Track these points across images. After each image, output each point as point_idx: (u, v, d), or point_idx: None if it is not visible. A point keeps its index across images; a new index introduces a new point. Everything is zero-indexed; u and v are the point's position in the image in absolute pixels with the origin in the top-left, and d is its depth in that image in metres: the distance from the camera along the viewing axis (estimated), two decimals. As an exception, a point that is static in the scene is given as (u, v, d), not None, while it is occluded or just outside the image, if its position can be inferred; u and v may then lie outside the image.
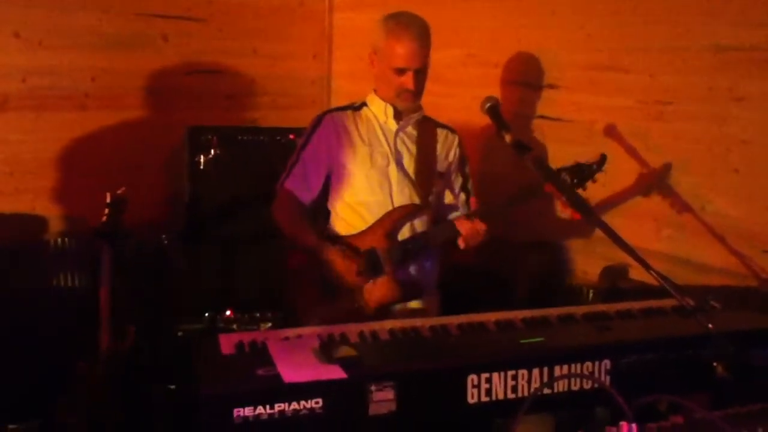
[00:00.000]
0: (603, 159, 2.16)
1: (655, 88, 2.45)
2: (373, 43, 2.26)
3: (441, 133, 2.39)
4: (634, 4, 2.49)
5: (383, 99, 2.31)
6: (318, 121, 2.33)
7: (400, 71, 2.20)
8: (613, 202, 2.53)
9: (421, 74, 2.23)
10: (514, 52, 2.88)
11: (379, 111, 2.32)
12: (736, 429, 1.07)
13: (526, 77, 2.86)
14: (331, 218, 2.38)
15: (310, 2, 3.71)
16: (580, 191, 2.11)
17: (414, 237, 2.26)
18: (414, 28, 2.20)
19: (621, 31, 2.53)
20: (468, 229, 2.20)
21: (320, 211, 2.39)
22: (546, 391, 1.49)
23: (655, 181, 2.45)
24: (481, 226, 2.19)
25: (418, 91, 2.25)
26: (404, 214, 2.28)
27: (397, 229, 2.26)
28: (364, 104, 2.36)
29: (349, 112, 2.35)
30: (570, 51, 2.70)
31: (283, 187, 2.32)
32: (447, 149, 2.40)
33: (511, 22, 2.92)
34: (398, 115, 2.32)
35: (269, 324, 2.76)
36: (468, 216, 2.23)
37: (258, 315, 2.88)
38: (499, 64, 2.94)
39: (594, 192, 2.27)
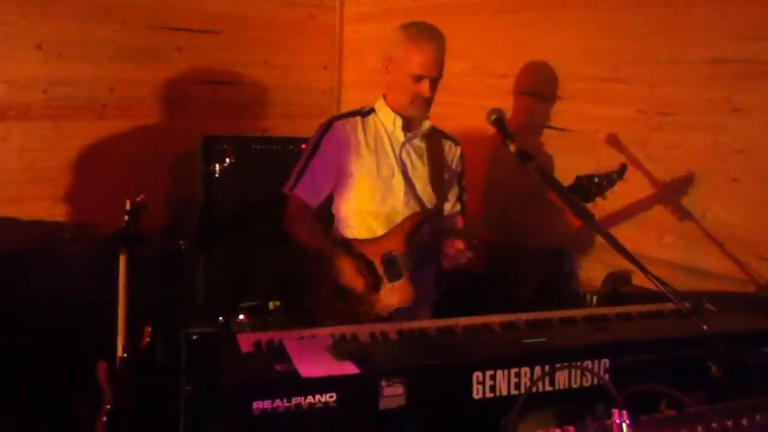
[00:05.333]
0: (623, 168, 2.08)
1: (655, 98, 2.51)
2: (388, 51, 2.27)
3: (446, 144, 2.42)
4: (634, 18, 2.55)
5: (393, 107, 2.32)
6: (326, 128, 2.33)
7: (418, 78, 2.21)
8: (625, 211, 2.56)
9: (436, 83, 2.24)
10: (519, 63, 2.95)
11: (387, 120, 2.33)
12: (723, 420, 1.14)
13: (530, 88, 2.93)
14: (336, 222, 2.41)
15: (321, 15, 3.80)
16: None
17: (425, 244, 2.29)
18: (434, 38, 2.22)
19: (622, 44, 2.60)
20: (451, 249, 2.21)
21: (325, 214, 2.43)
22: (548, 388, 1.57)
23: (672, 195, 2.48)
24: (462, 246, 2.19)
25: (431, 100, 2.26)
26: (422, 219, 2.30)
27: (413, 233, 2.28)
28: (372, 110, 2.37)
29: (357, 118, 2.35)
30: (573, 62, 2.76)
31: (292, 195, 2.34)
32: (450, 161, 2.44)
33: (516, 34, 2.99)
34: (406, 126, 2.33)
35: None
36: (453, 237, 2.23)
37: (270, 319, 2.96)
38: (505, 76, 3.01)
39: (597, 203, 2.31)
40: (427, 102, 2.27)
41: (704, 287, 2.38)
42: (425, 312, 2.39)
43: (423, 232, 2.33)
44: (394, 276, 2.24)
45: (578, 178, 2.05)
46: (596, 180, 2.03)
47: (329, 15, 3.83)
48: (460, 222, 2.31)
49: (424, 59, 2.20)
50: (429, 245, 2.29)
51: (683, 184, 2.45)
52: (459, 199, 2.48)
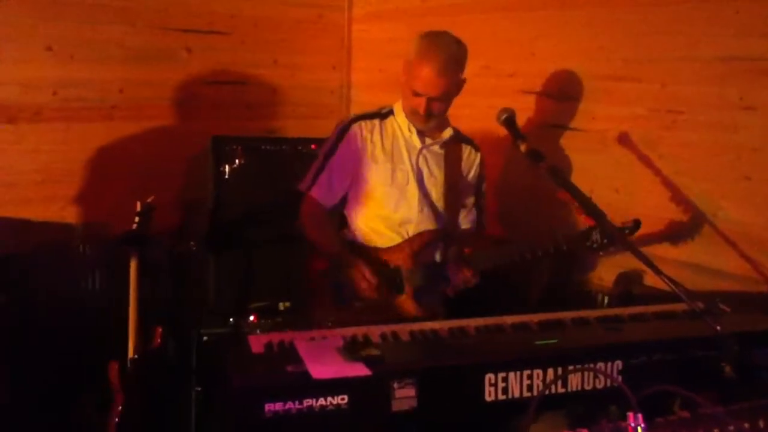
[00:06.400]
0: (636, 225, 2.15)
1: (667, 97, 2.49)
2: (407, 55, 2.24)
3: (465, 150, 2.40)
4: (645, 16, 2.54)
5: (406, 113, 2.32)
6: (345, 129, 2.32)
7: (416, 94, 2.19)
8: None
9: (436, 102, 2.20)
10: (528, 63, 2.95)
11: (403, 125, 2.32)
12: (739, 422, 1.13)
13: (540, 87, 2.92)
14: (348, 225, 2.41)
15: (330, 15, 3.80)
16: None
17: (434, 264, 2.29)
18: (440, 57, 2.14)
19: (633, 42, 2.58)
20: (458, 278, 2.21)
21: (337, 215, 2.43)
22: (560, 390, 1.56)
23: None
24: (469, 274, 2.20)
25: (429, 116, 2.23)
26: (433, 238, 2.30)
27: (423, 251, 2.28)
28: (391, 112, 2.35)
29: (376, 121, 2.34)
30: (583, 61, 2.75)
31: (309, 195, 2.34)
32: (468, 167, 2.42)
33: (525, 33, 2.98)
34: (422, 133, 2.32)
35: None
36: (459, 263, 2.21)
37: (280, 320, 2.96)
38: (514, 75, 3.01)
39: (609, 203, 2.32)
40: (425, 117, 2.24)
41: (717, 287, 2.37)
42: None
43: (432, 251, 2.32)
44: (395, 290, 2.24)
45: (590, 229, 2.11)
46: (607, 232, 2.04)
47: (338, 15, 3.82)
48: (468, 251, 2.27)
49: (423, 78, 2.16)
50: (437, 266, 2.28)
51: (695, 182, 2.43)
52: (476, 205, 2.47)
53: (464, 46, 2.24)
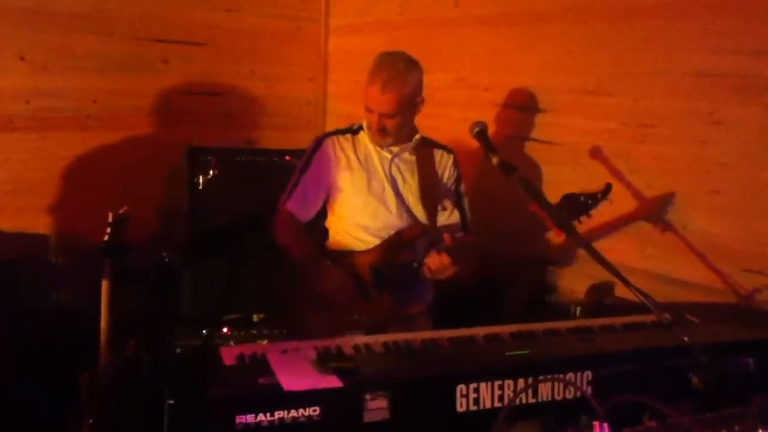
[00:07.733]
0: (608, 188, 2.14)
1: (639, 111, 2.53)
2: None
3: (437, 154, 2.43)
4: (618, 31, 2.58)
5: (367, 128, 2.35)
6: (318, 144, 2.37)
7: (368, 109, 2.25)
8: (608, 225, 2.56)
9: (387, 119, 2.24)
10: (502, 76, 2.98)
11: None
12: (703, 431, 1.15)
13: (513, 101, 2.95)
14: (329, 237, 2.43)
15: (307, 27, 3.82)
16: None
17: (416, 263, 2.28)
18: (385, 74, 2.20)
19: (605, 57, 2.63)
20: (435, 263, 2.21)
21: (317, 228, 2.44)
22: (531, 400, 1.57)
23: (655, 211, 2.50)
24: (446, 260, 2.19)
25: (381, 131, 2.27)
26: (412, 235, 2.32)
27: (402, 249, 2.30)
28: (361, 128, 2.39)
29: (348, 135, 2.39)
30: (557, 75, 2.79)
31: (284, 209, 2.37)
32: (442, 170, 2.44)
33: (499, 47, 3.01)
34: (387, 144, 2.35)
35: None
36: (438, 250, 2.22)
37: (254, 332, 2.95)
38: (488, 88, 3.04)
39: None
40: (380, 132, 2.28)
41: (686, 298, 2.40)
42: (425, 321, 2.39)
43: (415, 251, 2.33)
44: (377, 290, 2.25)
45: (564, 198, 2.07)
46: (581, 199, 2.05)
47: (315, 27, 3.85)
48: (447, 240, 2.29)
49: (370, 94, 2.22)
50: (420, 266, 2.29)
51: (665, 195, 2.47)
52: (456, 205, 2.47)
53: (416, 64, 2.28)
